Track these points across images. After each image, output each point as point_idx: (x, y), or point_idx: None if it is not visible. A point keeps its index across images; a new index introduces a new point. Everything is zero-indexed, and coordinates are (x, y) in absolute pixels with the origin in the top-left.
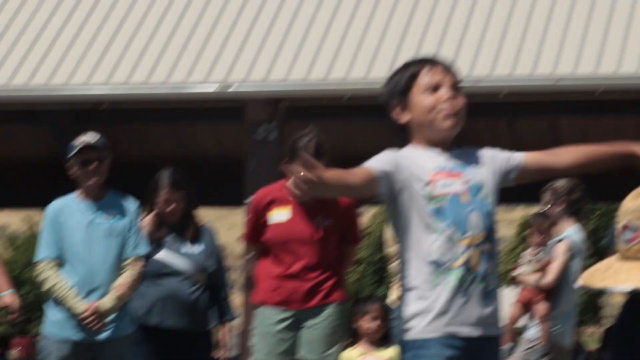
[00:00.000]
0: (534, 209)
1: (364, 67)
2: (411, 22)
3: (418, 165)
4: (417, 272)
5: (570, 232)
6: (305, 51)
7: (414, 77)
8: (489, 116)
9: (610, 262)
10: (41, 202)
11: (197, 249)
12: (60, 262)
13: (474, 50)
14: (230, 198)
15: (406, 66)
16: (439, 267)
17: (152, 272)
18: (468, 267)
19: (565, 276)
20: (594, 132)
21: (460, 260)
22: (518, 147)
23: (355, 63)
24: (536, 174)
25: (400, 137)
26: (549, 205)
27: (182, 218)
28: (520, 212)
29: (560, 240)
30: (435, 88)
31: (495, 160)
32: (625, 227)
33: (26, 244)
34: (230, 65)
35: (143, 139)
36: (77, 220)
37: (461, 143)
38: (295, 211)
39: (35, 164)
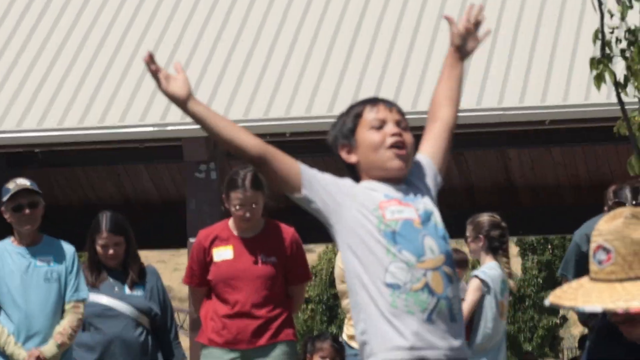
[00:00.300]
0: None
1: (304, 104)
2: (350, 57)
3: (366, 193)
4: (376, 296)
5: (485, 269)
6: (244, 88)
7: (358, 117)
8: None
9: (581, 282)
10: None
11: (140, 291)
12: None
13: (416, 84)
14: (173, 239)
15: (350, 108)
16: (398, 289)
17: (94, 317)
18: (430, 290)
19: (478, 313)
20: (543, 162)
21: (420, 284)
22: (468, 179)
23: (295, 99)
24: (445, 148)
25: (352, 177)
26: (468, 240)
27: (124, 261)
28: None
29: (474, 277)
30: (380, 125)
31: (424, 177)
32: (598, 248)
33: None
34: (166, 105)
35: (80, 182)
36: (12, 266)
37: None
38: (238, 249)
39: None
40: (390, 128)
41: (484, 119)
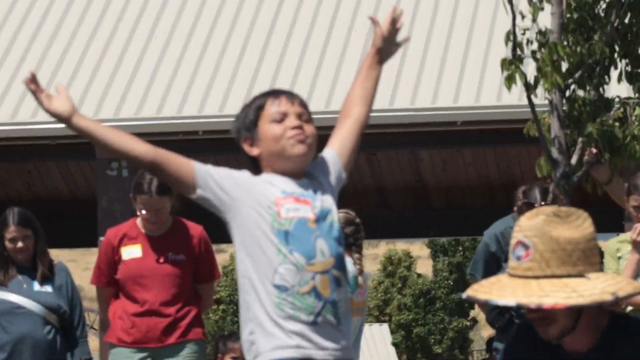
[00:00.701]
0: (399, 244)
1: (218, 102)
2: (265, 55)
3: (264, 188)
4: (264, 297)
5: None
6: (156, 86)
7: (260, 109)
8: None
9: (499, 277)
10: None
11: (49, 288)
12: None
13: (329, 83)
14: (84, 238)
15: (252, 100)
16: (286, 291)
17: (2, 315)
18: (317, 294)
19: None
20: (454, 163)
21: (307, 287)
22: (379, 180)
23: (208, 98)
24: (354, 147)
25: (254, 170)
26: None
27: (32, 257)
28: (384, 247)
29: None
30: (281, 118)
31: (327, 173)
32: (518, 244)
33: None
34: (78, 102)
35: None
36: None
37: None
38: (146, 247)
39: None
40: (292, 121)
41: (397, 119)
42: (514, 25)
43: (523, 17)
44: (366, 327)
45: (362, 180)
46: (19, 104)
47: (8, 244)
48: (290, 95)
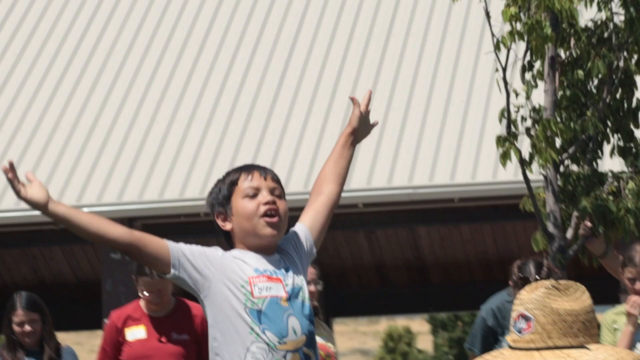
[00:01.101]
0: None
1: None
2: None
3: (237, 266)
4: None
5: None
6: (158, 170)
7: (233, 184)
8: (347, 228)
9: (502, 351)
10: None
11: None
12: None
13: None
14: (89, 321)
15: (226, 175)
16: None
17: None
18: None
19: None
20: (452, 239)
21: None
22: (379, 258)
23: (210, 180)
24: (324, 224)
25: (227, 244)
26: None
27: (40, 340)
28: (385, 324)
29: None
30: (254, 193)
31: (298, 248)
32: (519, 317)
33: None
34: (82, 187)
35: None
36: None
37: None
38: (149, 328)
39: None
40: (264, 196)
41: (395, 198)
42: (508, 103)
43: (517, 95)
44: None
45: (361, 258)
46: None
47: (16, 328)
48: (263, 170)
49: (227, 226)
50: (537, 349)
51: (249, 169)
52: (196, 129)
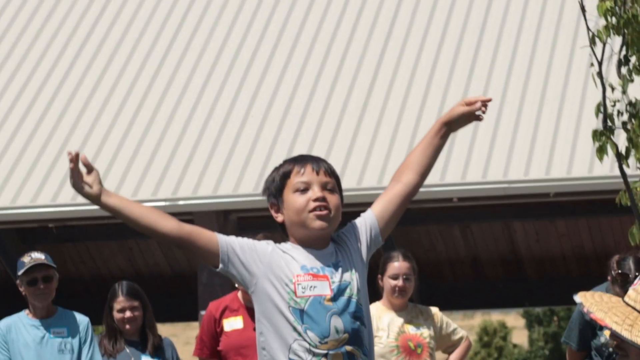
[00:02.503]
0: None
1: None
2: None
3: (284, 263)
4: None
5: None
6: (253, 164)
7: (286, 177)
8: (442, 222)
9: (611, 297)
10: None
11: None
12: None
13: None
14: (185, 313)
15: (281, 165)
16: None
17: None
18: None
19: None
20: (547, 234)
21: None
22: (474, 252)
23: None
24: (396, 213)
25: (282, 235)
26: None
27: (141, 329)
28: (479, 318)
29: None
30: (305, 188)
31: (357, 239)
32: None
33: None
34: (178, 180)
35: (93, 257)
36: (27, 337)
37: (415, 249)
38: (247, 319)
39: None
40: (314, 192)
41: (490, 192)
42: (604, 97)
43: (613, 89)
44: None
45: (456, 252)
46: (119, 185)
47: (117, 314)
48: (316, 163)
49: (279, 218)
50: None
51: (302, 161)
52: (290, 123)
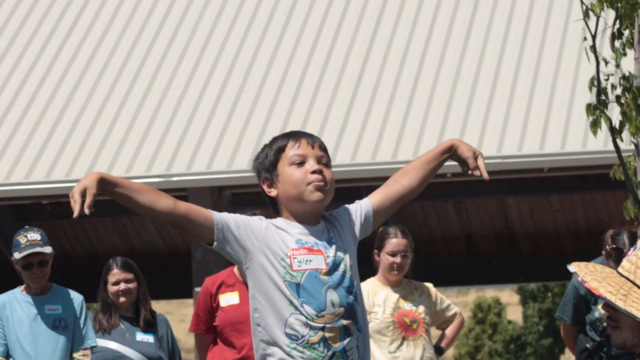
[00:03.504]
0: (488, 291)
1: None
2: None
3: (279, 237)
4: (278, 342)
5: None
6: (247, 141)
7: (280, 151)
8: (436, 198)
9: (605, 268)
10: None
11: (151, 338)
12: (6, 357)
13: (417, 133)
14: (179, 290)
15: (272, 141)
16: (297, 341)
17: None
18: (326, 343)
19: None
20: (541, 210)
21: (317, 337)
22: (468, 228)
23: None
24: (389, 210)
25: (273, 210)
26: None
27: (135, 305)
28: (474, 295)
29: None
30: (301, 162)
31: (351, 220)
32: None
33: None
34: (171, 156)
35: (87, 234)
36: (21, 314)
37: (409, 225)
38: (243, 294)
39: None
40: (312, 165)
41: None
42: (597, 71)
43: (607, 63)
44: None
45: (450, 228)
46: (113, 161)
47: (111, 287)
48: (310, 138)
49: (273, 192)
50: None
51: (296, 136)
52: (284, 100)
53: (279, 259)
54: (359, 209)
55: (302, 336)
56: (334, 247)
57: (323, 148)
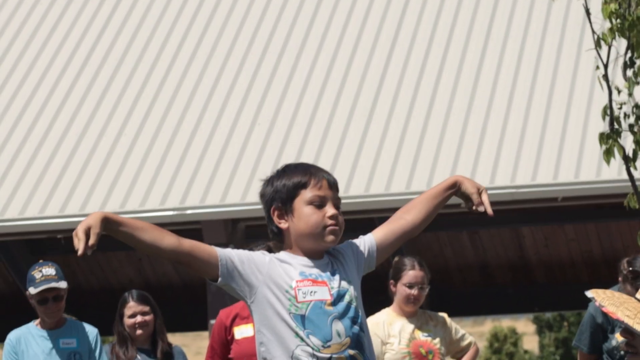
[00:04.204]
0: (504, 321)
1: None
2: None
3: (283, 270)
4: None
5: None
6: (261, 172)
7: (300, 187)
8: (450, 228)
9: (622, 295)
10: (2, 337)
11: None
12: None
13: (430, 163)
14: (195, 322)
15: (292, 172)
16: None
17: None
18: None
19: None
20: (556, 239)
21: None
22: (482, 258)
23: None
24: (393, 246)
25: (275, 239)
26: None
27: (152, 337)
28: (490, 325)
29: None
30: (321, 203)
31: (355, 254)
32: None
33: None
34: (185, 189)
35: (102, 267)
36: (36, 349)
37: (425, 255)
38: None
39: None
40: (330, 210)
41: (497, 197)
42: (610, 100)
43: (619, 91)
44: None
45: (465, 258)
46: (127, 195)
47: (128, 320)
48: (330, 179)
49: (283, 224)
50: None
51: (317, 175)
52: (297, 131)
53: (283, 291)
54: (363, 244)
55: None
56: (337, 277)
57: (338, 189)
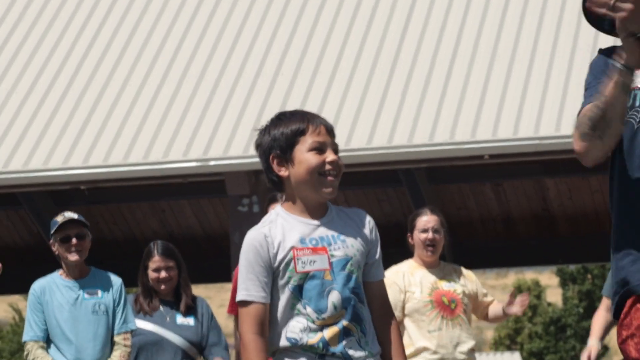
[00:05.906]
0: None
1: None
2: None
3: (283, 239)
4: (279, 345)
5: None
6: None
7: (299, 134)
8: (473, 180)
9: None
10: (26, 287)
11: (191, 321)
12: (47, 342)
13: (452, 115)
14: (218, 274)
15: (289, 119)
16: (297, 343)
17: (144, 346)
18: (325, 344)
19: None
20: (580, 191)
21: (316, 338)
22: (506, 210)
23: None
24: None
25: (275, 189)
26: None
27: (175, 289)
28: (513, 277)
29: None
30: (321, 148)
31: (370, 232)
32: None
33: (12, 332)
34: (209, 140)
35: (126, 218)
36: (61, 298)
37: (448, 208)
38: None
39: (17, 248)
40: (330, 155)
41: (521, 149)
42: None
43: None
44: (498, 355)
45: (488, 210)
46: (150, 145)
47: (152, 274)
48: (327, 125)
49: (283, 172)
50: None
51: (315, 121)
52: (320, 82)
53: (284, 261)
54: (373, 239)
55: (301, 338)
56: (342, 243)
57: (335, 134)
